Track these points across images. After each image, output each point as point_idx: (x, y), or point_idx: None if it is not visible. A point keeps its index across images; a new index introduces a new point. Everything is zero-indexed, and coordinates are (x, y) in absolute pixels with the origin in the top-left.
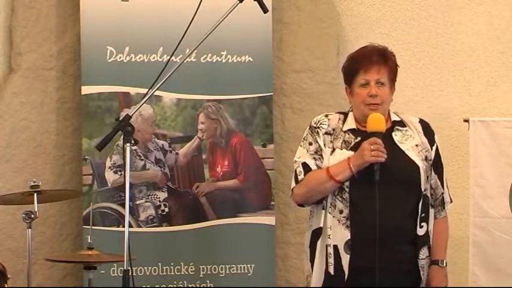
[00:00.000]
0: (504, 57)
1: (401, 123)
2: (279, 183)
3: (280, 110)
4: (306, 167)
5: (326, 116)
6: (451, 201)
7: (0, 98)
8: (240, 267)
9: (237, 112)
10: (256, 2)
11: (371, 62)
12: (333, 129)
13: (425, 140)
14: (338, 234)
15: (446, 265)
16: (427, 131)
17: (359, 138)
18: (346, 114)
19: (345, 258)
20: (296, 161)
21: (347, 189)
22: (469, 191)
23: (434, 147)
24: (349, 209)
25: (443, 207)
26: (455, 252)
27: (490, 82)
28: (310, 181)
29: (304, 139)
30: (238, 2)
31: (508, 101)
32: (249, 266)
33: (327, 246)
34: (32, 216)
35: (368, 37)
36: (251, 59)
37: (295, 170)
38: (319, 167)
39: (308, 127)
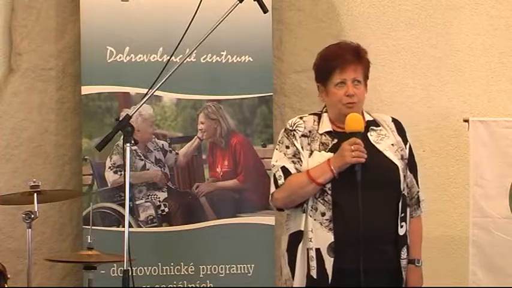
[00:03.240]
0: (504, 57)
1: (375, 123)
2: None
3: (280, 110)
4: (285, 171)
5: (301, 118)
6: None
7: (0, 98)
8: (240, 267)
9: (237, 112)
10: (256, 2)
11: (347, 61)
12: (309, 132)
13: (399, 139)
14: (320, 237)
15: (421, 264)
16: (400, 129)
17: (336, 140)
18: (319, 115)
19: (329, 261)
20: (274, 165)
21: (329, 191)
22: (469, 191)
23: (407, 146)
24: (332, 211)
25: (419, 206)
26: (455, 252)
27: (490, 82)
28: (290, 185)
29: (280, 142)
30: (238, 2)
31: (508, 101)
32: (249, 266)
33: (308, 249)
34: (32, 216)
35: (368, 37)
36: (251, 59)
37: (274, 175)
38: (298, 171)
39: (283, 130)
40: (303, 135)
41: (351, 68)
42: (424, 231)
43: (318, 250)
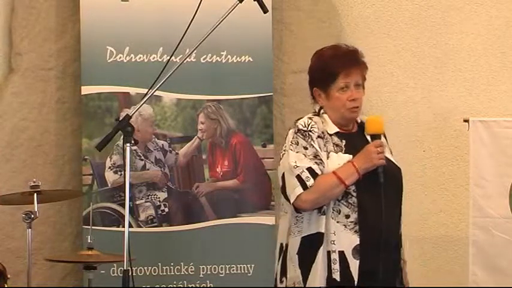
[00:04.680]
0: (504, 57)
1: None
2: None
3: (280, 110)
4: (312, 172)
5: (310, 118)
6: None
7: (0, 98)
8: (240, 267)
9: (237, 112)
10: (256, 2)
11: (351, 65)
12: (322, 132)
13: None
14: (344, 239)
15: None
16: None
17: (344, 141)
18: (319, 116)
19: (354, 264)
20: (297, 166)
21: (354, 194)
22: (469, 191)
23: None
24: (357, 213)
25: None
26: (455, 252)
27: (490, 82)
28: (319, 186)
29: (293, 143)
30: (238, 2)
31: (508, 101)
32: (249, 266)
33: (329, 252)
34: (32, 216)
35: (368, 37)
36: (251, 59)
37: (299, 176)
38: (322, 172)
39: (295, 131)
40: (318, 137)
41: (354, 72)
42: (424, 231)
43: (341, 253)
